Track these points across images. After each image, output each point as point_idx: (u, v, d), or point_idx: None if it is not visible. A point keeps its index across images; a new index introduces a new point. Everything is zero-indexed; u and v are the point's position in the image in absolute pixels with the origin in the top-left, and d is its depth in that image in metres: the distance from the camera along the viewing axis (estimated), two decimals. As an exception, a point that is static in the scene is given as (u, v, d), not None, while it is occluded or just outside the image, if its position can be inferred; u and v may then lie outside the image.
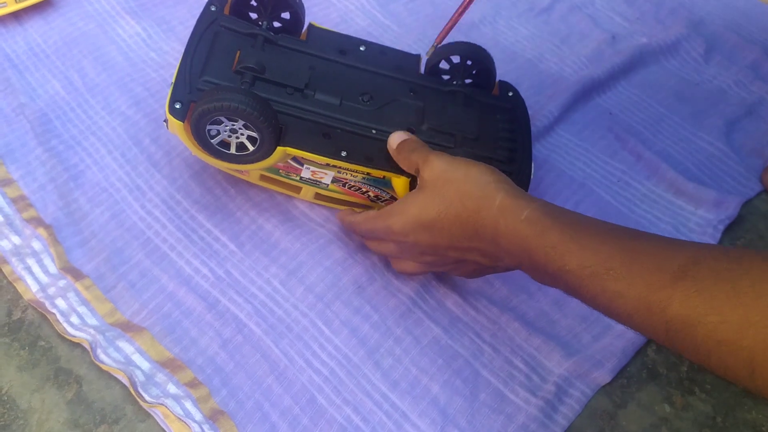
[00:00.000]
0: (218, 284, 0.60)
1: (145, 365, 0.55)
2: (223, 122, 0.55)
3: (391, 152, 0.58)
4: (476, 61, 0.66)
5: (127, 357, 0.55)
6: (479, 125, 0.63)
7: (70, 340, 0.56)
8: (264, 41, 0.62)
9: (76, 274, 0.59)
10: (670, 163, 0.74)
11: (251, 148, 0.57)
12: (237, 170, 0.62)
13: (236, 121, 0.55)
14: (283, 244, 0.63)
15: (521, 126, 0.65)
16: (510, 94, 0.67)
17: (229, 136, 0.57)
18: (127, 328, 0.57)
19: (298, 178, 0.62)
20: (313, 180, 0.61)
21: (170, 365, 0.55)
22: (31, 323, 0.57)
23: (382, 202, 0.63)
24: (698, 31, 0.88)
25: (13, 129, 0.67)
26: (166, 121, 0.58)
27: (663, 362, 0.61)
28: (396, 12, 0.86)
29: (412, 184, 0.58)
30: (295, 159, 0.59)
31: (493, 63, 0.66)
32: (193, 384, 0.54)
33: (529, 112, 0.76)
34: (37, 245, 0.60)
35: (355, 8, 0.85)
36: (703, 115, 0.80)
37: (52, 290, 0.58)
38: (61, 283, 0.58)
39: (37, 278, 0.58)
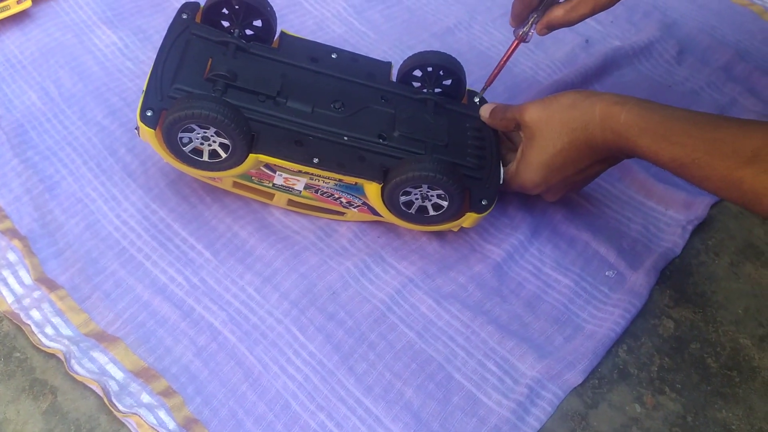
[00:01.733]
0: (193, 292, 0.61)
1: (119, 375, 0.55)
2: (194, 130, 0.56)
3: (485, 120, 0.66)
4: (448, 71, 0.67)
5: (101, 367, 0.55)
6: (449, 132, 0.64)
7: (45, 351, 0.56)
8: (236, 49, 0.63)
9: (51, 284, 0.59)
10: (641, 164, 0.75)
11: (224, 155, 0.58)
12: (210, 177, 0.62)
13: (208, 128, 0.55)
14: (258, 251, 0.64)
15: (489, 133, 0.66)
16: (476, 100, 0.68)
17: (201, 144, 0.57)
18: (102, 338, 0.57)
19: (270, 185, 0.62)
20: (286, 187, 0.62)
21: (144, 374, 0.56)
22: (6, 335, 0.57)
23: (354, 207, 0.63)
24: (671, 33, 0.89)
25: (-12, 141, 0.68)
26: (137, 128, 0.58)
27: (634, 362, 0.62)
28: (372, 19, 0.86)
29: (383, 190, 0.59)
30: (267, 166, 0.59)
31: (464, 73, 0.67)
32: (167, 393, 0.55)
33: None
34: (12, 257, 0.60)
35: (331, 15, 0.86)
36: (676, 116, 0.81)
37: (27, 301, 0.58)
38: (36, 294, 0.58)
39: (12, 289, 0.59)
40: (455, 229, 0.65)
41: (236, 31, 0.65)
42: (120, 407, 0.53)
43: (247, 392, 0.56)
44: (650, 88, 0.84)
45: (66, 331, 0.57)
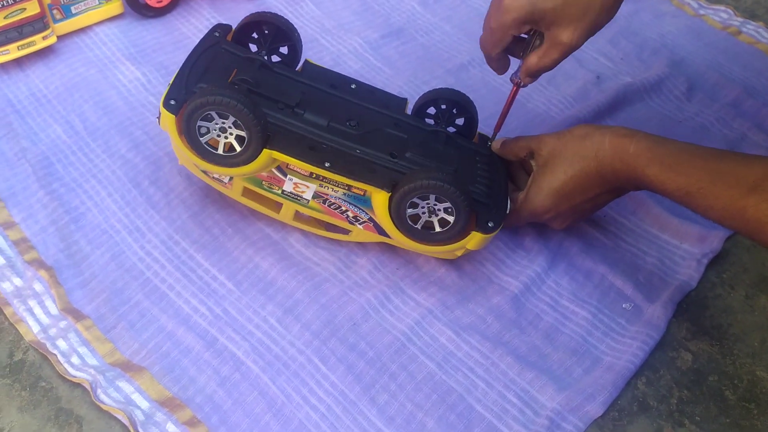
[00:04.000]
0: (216, 322, 0.61)
1: (144, 405, 0.56)
2: (213, 119, 0.58)
3: (497, 151, 0.68)
4: (461, 108, 0.69)
5: (127, 397, 0.56)
6: (459, 161, 0.65)
7: (71, 381, 0.57)
8: (260, 65, 0.65)
9: (77, 314, 0.60)
10: (655, 198, 0.76)
11: (239, 148, 0.59)
12: (221, 182, 0.64)
13: (226, 118, 0.57)
14: (279, 282, 0.65)
15: (499, 168, 0.68)
16: (489, 143, 0.69)
17: (218, 136, 0.59)
18: (127, 367, 0.58)
19: (280, 191, 0.63)
20: (295, 194, 0.63)
21: (169, 404, 0.56)
22: (32, 364, 0.58)
23: (360, 224, 0.64)
24: (680, 70, 0.91)
25: (15, 173, 0.69)
26: (158, 117, 0.60)
27: (653, 395, 0.62)
28: (387, 55, 0.89)
29: (390, 200, 0.60)
30: (279, 169, 0.60)
31: (476, 112, 0.69)
32: (192, 422, 0.55)
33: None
34: (38, 287, 0.61)
35: (347, 51, 0.88)
36: (687, 151, 0.82)
37: (53, 331, 0.59)
38: (62, 324, 0.59)
39: (39, 319, 0.59)
40: (459, 253, 0.65)
41: (263, 53, 0.68)
42: (146, 437, 0.53)
43: (270, 422, 0.56)
44: (661, 123, 0.85)
45: (92, 360, 0.58)
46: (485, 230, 0.62)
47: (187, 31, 0.86)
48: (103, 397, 0.55)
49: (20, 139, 0.72)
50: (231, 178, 0.63)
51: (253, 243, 0.67)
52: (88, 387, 0.56)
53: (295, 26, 0.69)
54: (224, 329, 0.61)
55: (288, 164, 0.60)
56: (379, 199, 0.60)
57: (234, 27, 0.68)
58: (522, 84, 0.66)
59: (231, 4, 0.89)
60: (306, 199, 0.63)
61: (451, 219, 0.60)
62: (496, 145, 0.69)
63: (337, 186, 0.61)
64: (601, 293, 0.68)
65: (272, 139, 0.59)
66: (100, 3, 0.82)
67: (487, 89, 0.87)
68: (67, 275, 0.62)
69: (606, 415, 0.60)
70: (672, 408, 0.62)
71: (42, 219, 0.66)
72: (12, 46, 0.76)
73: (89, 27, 0.83)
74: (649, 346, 0.64)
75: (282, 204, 0.65)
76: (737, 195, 0.53)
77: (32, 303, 0.60)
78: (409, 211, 0.60)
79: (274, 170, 0.61)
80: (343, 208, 0.63)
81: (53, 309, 0.60)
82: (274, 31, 0.68)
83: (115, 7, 0.84)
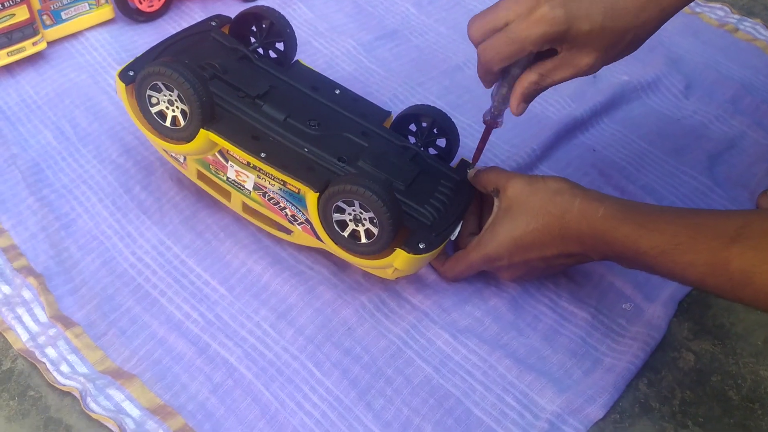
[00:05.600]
0: (209, 328, 0.60)
1: (135, 413, 0.55)
2: (161, 90, 0.58)
3: (470, 180, 0.64)
4: (441, 131, 0.66)
5: (117, 405, 0.55)
6: (416, 180, 0.62)
7: (60, 389, 0.56)
8: (242, 56, 0.65)
9: (67, 322, 0.59)
10: (655, 197, 0.75)
11: (182, 123, 0.59)
12: (177, 160, 0.64)
13: (173, 90, 0.57)
14: (273, 286, 0.64)
15: (463, 199, 0.64)
16: (468, 170, 0.65)
17: (167, 108, 0.59)
18: (118, 375, 0.57)
19: (225, 178, 0.62)
20: (238, 183, 0.62)
21: (161, 412, 0.55)
22: (21, 373, 0.57)
23: (299, 225, 0.61)
24: (677, 68, 0.90)
25: (4, 179, 0.68)
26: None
27: (655, 396, 0.61)
28: (381, 57, 0.88)
29: (319, 201, 0.57)
30: (221, 153, 0.60)
31: (457, 136, 0.67)
32: (184, 430, 0.54)
33: (512, 150, 0.78)
34: (27, 294, 0.60)
35: (341, 53, 0.87)
36: (686, 149, 0.81)
37: (42, 339, 0.58)
38: (52, 331, 0.58)
39: (27, 327, 0.59)
40: (390, 272, 0.60)
41: (255, 45, 0.68)
42: (136, 445, 0.52)
43: (264, 429, 0.55)
44: (659, 122, 0.84)
45: (82, 368, 0.57)
46: (415, 250, 0.57)
47: (178, 36, 0.85)
48: (93, 405, 0.54)
49: (10, 145, 0.71)
50: (185, 158, 0.63)
51: (245, 246, 0.66)
52: (77, 395, 0.55)
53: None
54: (216, 335, 0.60)
55: (228, 150, 0.59)
56: (311, 199, 0.57)
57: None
58: (496, 123, 0.62)
59: (223, 8, 0.88)
60: (248, 190, 0.62)
61: (375, 230, 0.56)
62: (471, 174, 0.64)
63: (273, 180, 0.59)
64: (600, 294, 0.67)
65: (217, 121, 0.59)
66: (90, 8, 0.81)
67: (482, 90, 0.84)
68: (57, 282, 0.61)
69: (607, 418, 0.59)
70: (675, 409, 0.61)
71: (32, 225, 0.65)
72: (2, 52, 0.75)
73: (80, 32, 0.82)
74: (650, 347, 0.63)
75: (230, 193, 0.64)
76: (719, 246, 0.49)
77: (21, 311, 0.59)
78: (336, 215, 0.57)
79: (217, 154, 0.60)
80: (282, 205, 0.60)
81: (42, 316, 0.59)
82: (269, 26, 0.68)
83: (106, 12, 0.83)
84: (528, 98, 0.58)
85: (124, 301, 0.61)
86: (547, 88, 0.58)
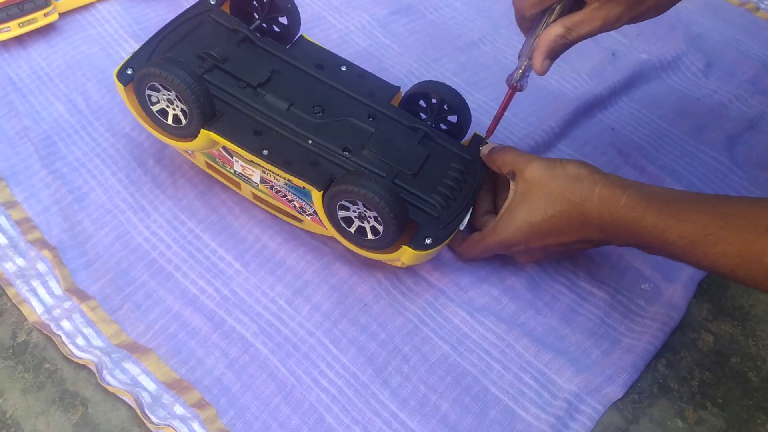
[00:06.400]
0: (224, 304, 0.60)
1: (151, 386, 0.54)
2: (160, 90, 0.57)
3: (483, 158, 0.62)
4: (450, 108, 0.64)
5: (134, 378, 0.54)
6: (425, 165, 0.60)
7: (76, 362, 0.55)
8: (243, 38, 0.64)
9: (82, 295, 0.58)
10: (675, 177, 0.74)
11: (184, 122, 0.58)
12: (185, 150, 0.63)
13: (170, 91, 0.56)
14: (288, 262, 0.63)
15: (475, 179, 0.62)
16: (481, 147, 0.64)
17: (168, 106, 0.58)
18: (133, 349, 0.56)
19: (232, 171, 0.61)
20: (245, 176, 0.61)
21: (177, 386, 0.54)
22: (36, 345, 0.56)
23: (308, 215, 0.61)
24: (697, 46, 0.89)
25: (17, 152, 0.67)
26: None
27: (674, 377, 0.61)
28: (396, 32, 0.86)
29: (323, 199, 0.56)
30: (225, 149, 0.59)
31: (468, 112, 0.64)
32: (200, 405, 0.54)
33: (529, 129, 0.76)
34: (41, 267, 0.60)
35: (355, 29, 0.86)
36: (705, 129, 0.80)
37: (57, 312, 0.57)
38: (67, 304, 0.58)
39: (42, 300, 0.58)
40: (398, 265, 0.60)
41: (257, 22, 0.66)
42: (153, 419, 0.52)
43: (280, 405, 0.55)
44: (678, 101, 0.83)
45: (97, 341, 0.56)
46: (419, 246, 0.56)
47: (191, 8, 0.84)
48: (109, 378, 0.54)
49: (22, 117, 0.70)
50: (193, 151, 0.62)
51: (260, 222, 0.65)
52: (93, 368, 0.54)
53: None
54: (232, 310, 0.59)
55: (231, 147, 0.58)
56: (316, 196, 0.57)
57: None
58: (519, 87, 0.60)
59: (236, -19, 0.87)
60: (255, 183, 0.61)
61: (381, 228, 0.55)
62: (484, 151, 0.62)
63: (278, 176, 0.58)
64: (618, 274, 0.66)
65: (219, 119, 0.58)
66: (102, -21, 0.80)
67: (498, 66, 0.84)
68: (71, 255, 0.61)
69: (626, 398, 0.59)
70: (693, 390, 0.60)
71: (45, 198, 0.64)
72: (13, 23, 0.74)
73: (91, 4, 0.81)
74: (669, 328, 0.62)
75: (240, 183, 0.63)
76: (753, 237, 0.47)
77: (35, 283, 0.59)
78: (341, 213, 0.56)
79: (222, 150, 0.59)
80: (289, 197, 0.60)
81: (57, 289, 0.58)
82: (270, 1, 0.66)
83: (118, -16, 0.81)
84: (553, 53, 0.56)
85: (139, 275, 0.61)
86: (573, 43, 0.56)
